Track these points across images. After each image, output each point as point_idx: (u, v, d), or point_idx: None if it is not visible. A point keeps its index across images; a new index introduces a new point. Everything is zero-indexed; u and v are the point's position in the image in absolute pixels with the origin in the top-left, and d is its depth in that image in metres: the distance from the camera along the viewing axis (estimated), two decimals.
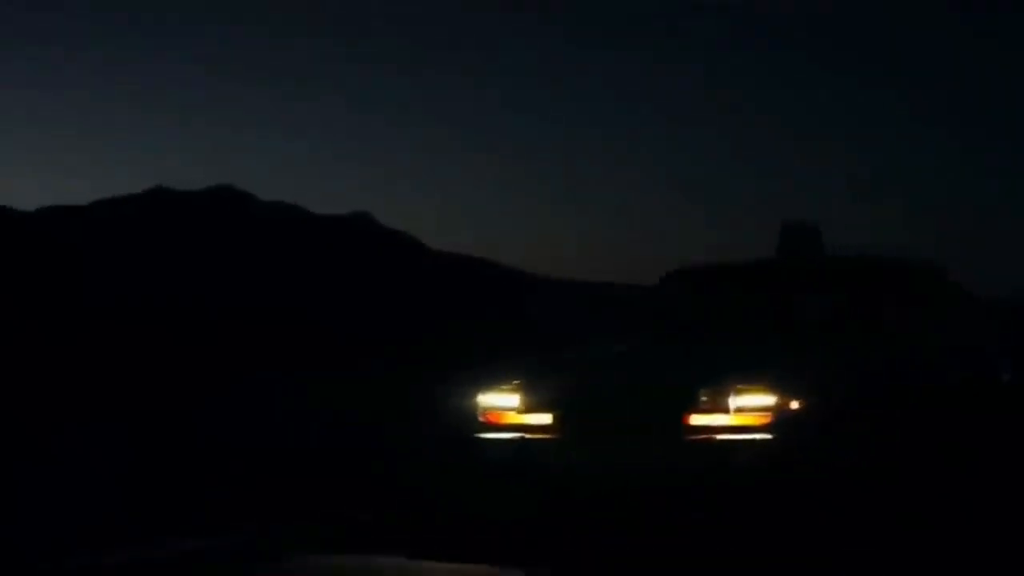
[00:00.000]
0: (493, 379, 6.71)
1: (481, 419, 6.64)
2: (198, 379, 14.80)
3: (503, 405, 6.59)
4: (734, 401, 6.13)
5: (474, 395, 6.70)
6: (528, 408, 6.51)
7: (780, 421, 6.08)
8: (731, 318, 7.51)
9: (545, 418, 6.44)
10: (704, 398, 6.15)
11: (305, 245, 77.31)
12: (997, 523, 6.34)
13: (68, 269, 63.58)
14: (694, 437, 6.12)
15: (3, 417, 10.29)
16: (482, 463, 6.62)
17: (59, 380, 13.70)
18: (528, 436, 6.46)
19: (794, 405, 6.13)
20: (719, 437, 6.09)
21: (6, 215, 77.83)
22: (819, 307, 7.44)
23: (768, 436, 6.06)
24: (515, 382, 6.62)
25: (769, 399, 6.12)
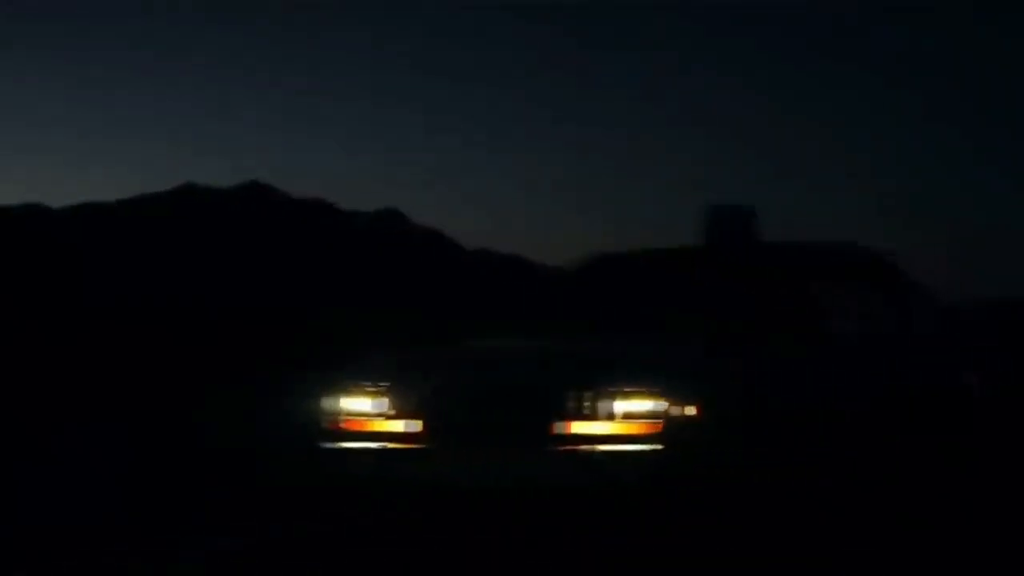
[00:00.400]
0: (352, 379, 5.92)
1: (336, 426, 5.86)
2: (213, 378, 14.78)
3: (362, 410, 5.81)
4: (616, 406, 5.37)
5: (331, 398, 5.92)
6: (392, 413, 5.74)
7: (670, 431, 5.32)
8: (645, 310, 6.70)
9: (409, 424, 5.69)
10: (583, 403, 5.41)
11: (334, 241, 77.64)
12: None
13: (95, 266, 64.14)
14: (568, 447, 5.37)
15: (3, 417, 10.29)
16: (337, 476, 5.88)
17: (84, 380, 13.72)
18: (391, 446, 5.70)
19: (691, 412, 5.36)
20: (596, 448, 5.34)
21: (37, 212, 78.62)
22: (744, 299, 6.55)
23: (653, 448, 5.30)
24: (377, 383, 5.84)
25: (659, 404, 5.35)
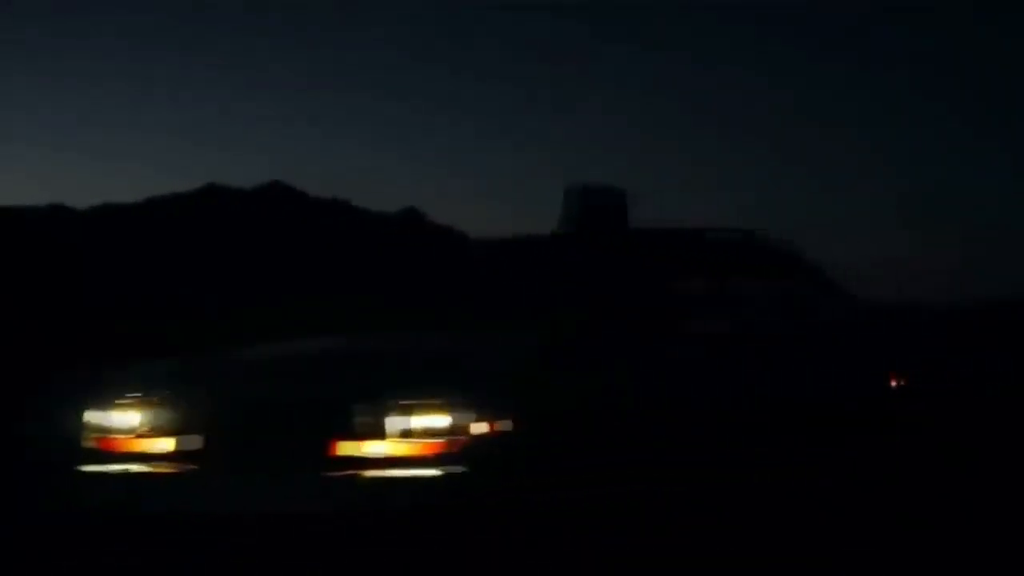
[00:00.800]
0: (120, 390, 5.02)
1: (99, 444, 4.95)
2: None
3: (127, 426, 4.91)
4: (408, 421, 4.50)
5: (96, 411, 5.00)
6: (160, 430, 4.84)
7: (468, 450, 4.47)
8: (490, 305, 5.88)
9: (179, 443, 4.80)
10: (371, 417, 4.53)
11: (355, 241, 77.63)
12: None
13: (117, 266, 64.34)
14: (349, 471, 4.50)
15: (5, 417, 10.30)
16: (97, 505, 4.91)
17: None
18: (154, 468, 4.80)
19: (502, 427, 4.52)
20: (383, 472, 4.48)
21: (61, 213, 78.95)
22: (599, 292, 5.65)
23: (444, 472, 4.45)
24: (148, 394, 4.94)
25: (460, 418, 4.49)
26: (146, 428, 4.91)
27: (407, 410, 4.52)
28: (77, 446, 5.02)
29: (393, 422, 4.52)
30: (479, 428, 4.51)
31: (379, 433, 4.52)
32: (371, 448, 4.52)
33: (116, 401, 5.00)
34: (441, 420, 4.51)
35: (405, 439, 4.51)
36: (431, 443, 4.50)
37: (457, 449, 4.48)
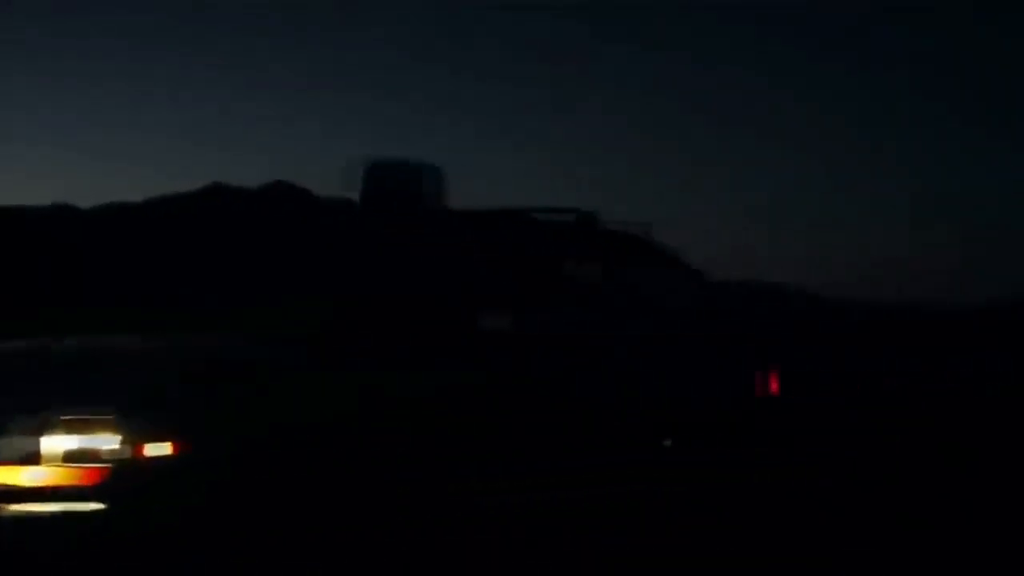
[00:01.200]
0: None
1: None
2: None
3: None
4: (58, 441, 3.60)
5: None
6: None
7: (141, 478, 3.60)
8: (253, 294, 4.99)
9: None
10: (13, 436, 3.63)
11: (362, 241, 77.18)
12: None
13: (122, 265, 64.24)
14: None
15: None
16: None
17: None
18: None
19: (186, 448, 3.65)
20: (24, 508, 3.61)
21: (66, 212, 78.92)
22: (370, 281, 4.76)
23: (98, 507, 3.59)
24: None
25: (127, 437, 3.60)
26: None
27: (69, 427, 3.63)
28: None
29: (50, 442, 3.62)
30: (158, 449, 3.64)
31: (34, 456, 3.63)
32: (24, 476, 3.63)
33: None
34: (108, 440, 3.62)
35: (65, 464, 3.63)
36: (93, 469, 3.62)
37: (97, 479, 3.61)
